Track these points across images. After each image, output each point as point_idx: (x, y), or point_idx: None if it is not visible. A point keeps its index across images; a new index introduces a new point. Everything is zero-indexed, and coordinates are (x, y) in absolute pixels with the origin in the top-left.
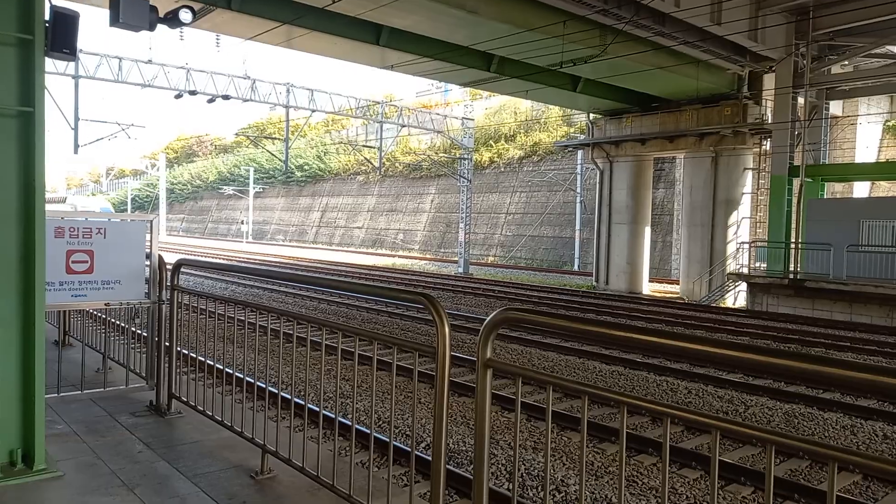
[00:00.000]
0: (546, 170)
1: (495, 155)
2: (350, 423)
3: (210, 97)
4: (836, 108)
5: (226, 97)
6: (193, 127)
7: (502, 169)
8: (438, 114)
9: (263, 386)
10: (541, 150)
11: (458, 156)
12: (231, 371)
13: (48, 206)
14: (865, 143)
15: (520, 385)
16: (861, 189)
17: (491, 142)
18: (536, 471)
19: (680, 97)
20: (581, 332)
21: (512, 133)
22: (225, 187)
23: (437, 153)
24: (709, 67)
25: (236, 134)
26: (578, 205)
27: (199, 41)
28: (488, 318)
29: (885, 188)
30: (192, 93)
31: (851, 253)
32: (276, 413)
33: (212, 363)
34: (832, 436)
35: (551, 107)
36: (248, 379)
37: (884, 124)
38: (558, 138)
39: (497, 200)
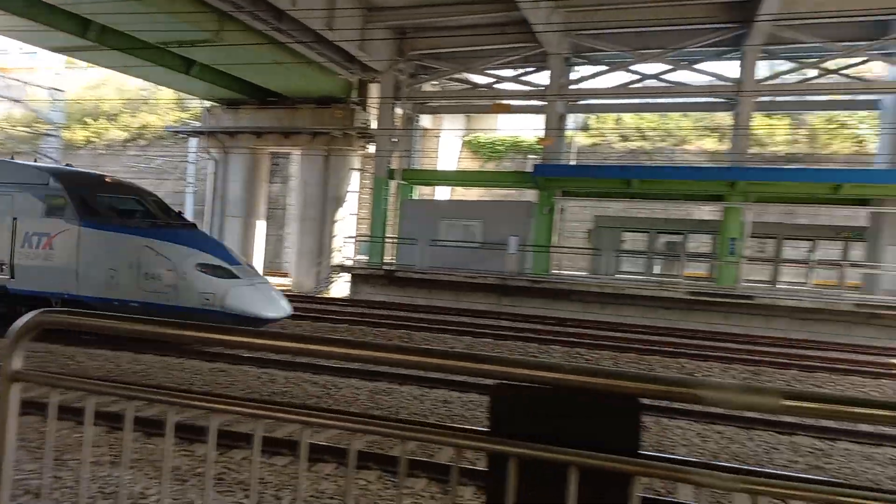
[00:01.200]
0: (155, 155)
1: (93, 134)
2: None
3: None
4: (426, 121)
5: None
6: None
7: (102, 151)
8: (18, 80)
9: None
10: (149, 134)
11: (42, 131)
12: None
13: None
14: (447, 154)
15: (56, 398)
16: (443, 192)
17: (89, 119)
18: (116, 486)
19: (296, 95)
20: (133, 333)
21: (116, 112)
22: None
23: (13, 126)
24: (323, 70)
25: None
26: (190, 195)
27: None
28: (15, 324)
29: (460, 192)
30: None
31: (433, 247)
32: None
33: None
34: (407, 405)
35: (164, 88)
36: None
37: (462, 139)
38: (171, 123)
39: None
